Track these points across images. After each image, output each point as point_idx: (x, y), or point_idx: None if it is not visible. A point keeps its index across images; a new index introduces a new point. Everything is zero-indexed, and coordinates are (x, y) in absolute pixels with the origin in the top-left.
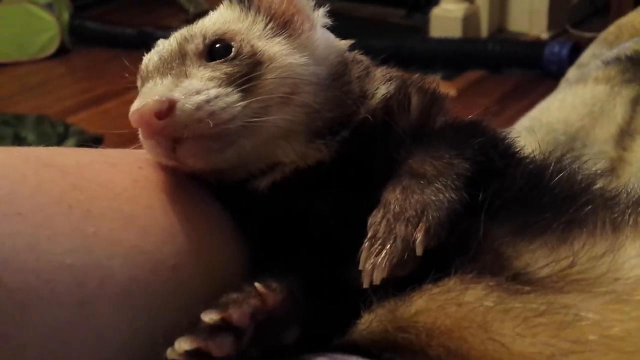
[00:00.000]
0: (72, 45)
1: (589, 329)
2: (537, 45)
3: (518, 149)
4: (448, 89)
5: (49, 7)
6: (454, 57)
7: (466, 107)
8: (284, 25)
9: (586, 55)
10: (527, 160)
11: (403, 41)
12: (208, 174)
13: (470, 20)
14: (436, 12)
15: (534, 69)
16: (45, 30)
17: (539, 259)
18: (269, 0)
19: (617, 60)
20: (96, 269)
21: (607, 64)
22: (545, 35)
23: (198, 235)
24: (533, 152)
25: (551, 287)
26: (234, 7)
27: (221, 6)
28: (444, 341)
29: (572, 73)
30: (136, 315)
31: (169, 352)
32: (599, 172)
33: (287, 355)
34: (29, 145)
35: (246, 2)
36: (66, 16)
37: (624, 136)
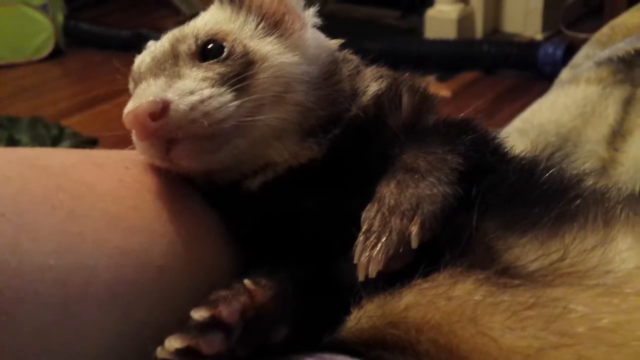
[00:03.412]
0: (66, 46)
1: (577, 321)
2: (531, 46)
3: (508, 147)
4: (442, 90)
5: (43, 8)
6: (449, 58)
7: (460, 107)
8: (274, 25)
9: (579, 56)
10: (518, 158)
11: (398, 42)
12: (200, 175)
13: (464, 21)
14: (430, 13)
15: (528, 70)
16: (40, 31)
17: (529, 253)
18: (260, 0)
19: (609, 60)
20: (79, 269)
21: (599, 64)
22: (539, 36)
23: (186, 235)
24: (523, 151)
25: (540, 280)
26: (225, 8)
27: (212, 7)
28: (433, 335)
29: (565, 73)
30: (122, 315)
31: (159, 351)
32: (588, 170)
33: (275, 354)
34: (23, 147)
35: (237, 2)
36: (60, 18)
37: (615, 137)
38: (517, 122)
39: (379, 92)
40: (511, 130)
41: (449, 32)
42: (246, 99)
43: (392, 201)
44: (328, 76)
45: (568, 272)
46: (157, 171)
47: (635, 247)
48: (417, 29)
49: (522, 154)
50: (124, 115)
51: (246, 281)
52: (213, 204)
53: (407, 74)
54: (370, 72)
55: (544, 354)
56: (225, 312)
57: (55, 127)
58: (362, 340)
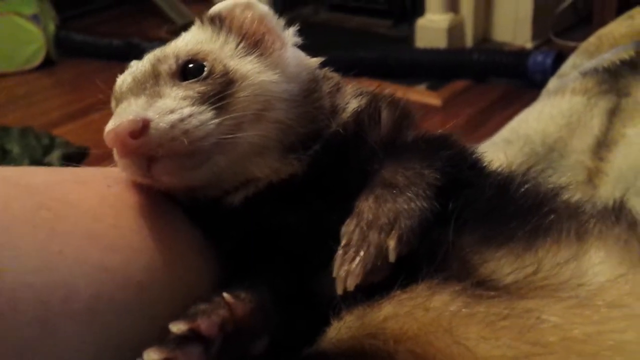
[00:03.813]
0: (57, 56)
1: (549, 332)
2: (521, 54)
3: (485, 163)
4: (433, 99)
5: (35, 18)
6: (439, 66)
7: (451, 116)
8: (255, 44)
9: (567, 65)
10: (495, 173)
11: (389, 51)
12: (181, 192)
13: (454, 30)
14: (421, 22)
15: (518, 79)
16: (31, 41)
17: (504, 266)
18: (240, 20)
19: (595, 71)
20: (59, 287)
21: (584, 75)
22: (529, 45)
23: (167, 251)
24: (501, 165)
25: (515, 292)
26: (206, 28)
27: (193, 27)
28: (411, 346)
29: (552, 83)
30: (102, 332)
31: None
32: (564, 184)
33: None
34: (14, 157)
35: (218, 23)
36: (52, 27)
37: (600, 147)
38: (504, 132)
39: (359, 109)
40: (498, 140)
41: (440, 41)
42: (226, 117)
43: (371, 216)
44: (308, 94)
45: (541, 285)
46: (139, 188)
47: (607, 261)
48: (408, 38)
49: (500, 169)
50: (105, 134)
51: (225, 295)
52: (195, 219)
53: (387, 90)
54: (350, 89)
55: None
56: (204, 325)
57: (46, 136)
58: (341, 351)
